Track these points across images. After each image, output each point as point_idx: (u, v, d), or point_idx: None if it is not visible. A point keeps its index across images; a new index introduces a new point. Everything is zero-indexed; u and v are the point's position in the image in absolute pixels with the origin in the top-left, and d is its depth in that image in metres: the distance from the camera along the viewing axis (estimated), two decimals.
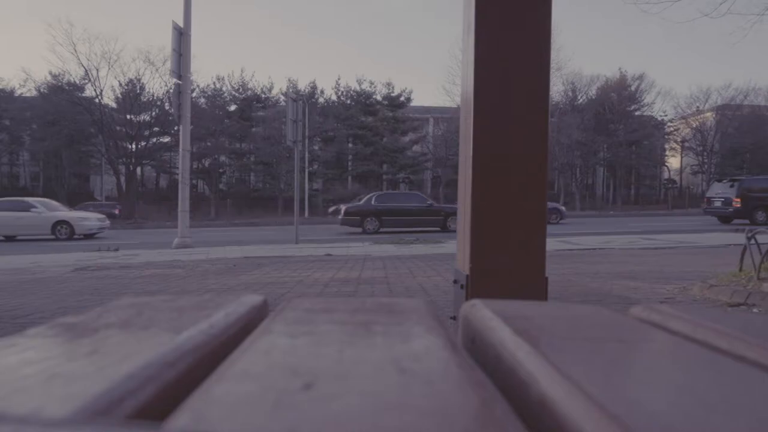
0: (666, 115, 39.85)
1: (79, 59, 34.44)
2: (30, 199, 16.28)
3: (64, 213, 15.77)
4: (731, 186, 16.82)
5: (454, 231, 15.03)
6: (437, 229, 15.36)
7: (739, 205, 16.25)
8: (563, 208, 21.27)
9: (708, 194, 18.32)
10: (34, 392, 0.25)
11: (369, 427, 0.21)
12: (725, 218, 16.95)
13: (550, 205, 21.36)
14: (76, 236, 14.86)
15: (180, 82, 10.18)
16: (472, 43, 1.65)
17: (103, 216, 16.82)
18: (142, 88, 33.36)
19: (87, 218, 15.67)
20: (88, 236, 15.35)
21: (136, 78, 33.07)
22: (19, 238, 15.29)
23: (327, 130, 34.42)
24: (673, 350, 0.38)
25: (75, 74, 32.95)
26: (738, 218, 16.34)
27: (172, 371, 0.30)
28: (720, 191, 17.26)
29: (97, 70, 32.69)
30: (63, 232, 14.94)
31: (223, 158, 36.29)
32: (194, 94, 31.37)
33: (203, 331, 0.38)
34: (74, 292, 4.62)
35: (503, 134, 1.65)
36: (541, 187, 1.67)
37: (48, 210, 15.46)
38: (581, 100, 37.48)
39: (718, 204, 17.13)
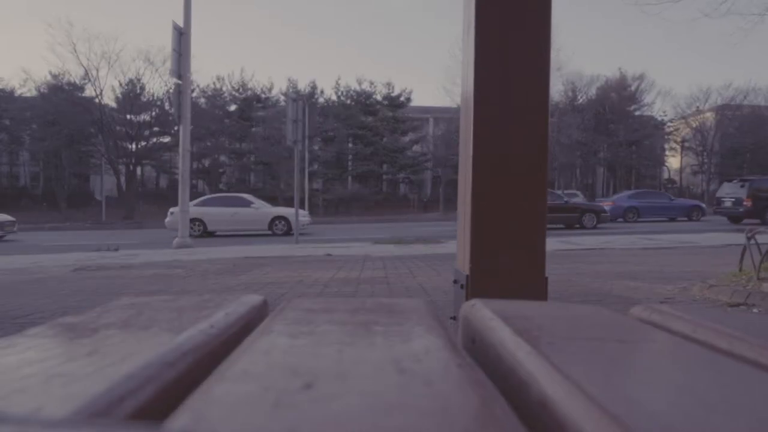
0: (666, 115, 39.80)
1: (78, 59, 34.39)
2: (246, 196, 16.18)
3: (280, 209, 15.69)
4: (741, 186, 16.88)
5: (592, 229, 14.66)
6: (567, 226, 14.56)
7: (750, 205, 16.30)
8: (704, 205, 20.20)
9: (718, 194, 18.29)
10: (34, 392, 0.25)
11: (369, 427, 0.21)
12: (736, 218, 16.96)
13: (691, 202, 20.59)
14: (292, 232, 14.21)
15: (180, 82, 10.18)
16: (472, 43, 1.65)
17: (306, 212, 16.37)
18: (142, 88, 33.31)
19: (300, 214, 15.43)
20: (288, 232, 14.61)
21: (136, 78, 33.00)
22: (219, 233, 14.68)
23: (327, 130, 34.40)
24: (673, 350, 0.38)
25: (75, 74, 32.84)
26: (749, 218, 16.32)
27: (172, 371, 0.30)
28: (730, 191, 17.31)
29: (97, 70, 32.56)
30: (280, 228, 14.81)
31: (223, 158, 36.27)
32: (194, 94, 31.29)
33: (203, 331, 0.38)
34: (74, 292, 4.61)
35: (503, 134, 1.65)
36: (541, 187, 1.67)
37: (263, 206, 15.35)
38: (581, 100, 37.44)
39: (728, 204, 17.18)
